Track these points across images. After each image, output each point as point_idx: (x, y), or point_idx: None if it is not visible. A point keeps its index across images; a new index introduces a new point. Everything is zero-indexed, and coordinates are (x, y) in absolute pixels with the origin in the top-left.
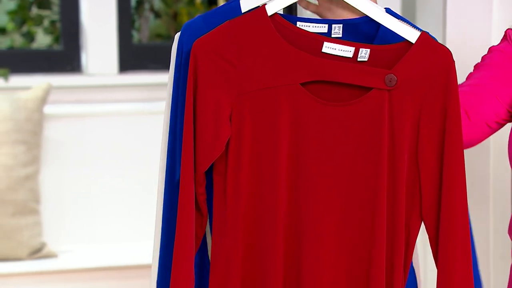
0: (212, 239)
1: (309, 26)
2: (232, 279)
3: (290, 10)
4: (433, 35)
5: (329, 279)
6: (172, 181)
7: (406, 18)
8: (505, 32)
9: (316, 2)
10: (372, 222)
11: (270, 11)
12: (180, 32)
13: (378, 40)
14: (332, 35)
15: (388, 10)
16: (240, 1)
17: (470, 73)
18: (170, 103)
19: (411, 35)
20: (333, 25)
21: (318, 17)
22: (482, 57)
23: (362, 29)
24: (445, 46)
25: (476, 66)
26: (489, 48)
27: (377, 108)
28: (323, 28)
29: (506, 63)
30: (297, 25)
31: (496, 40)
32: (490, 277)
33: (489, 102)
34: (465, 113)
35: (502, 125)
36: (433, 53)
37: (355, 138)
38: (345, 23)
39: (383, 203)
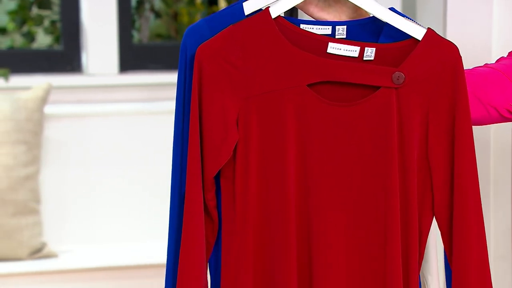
0: (222, 243)
1: (312, 28)
2: (243, 283)
3: (291, 12)
4: None
5: (343, 279)
6: (180, 192)
7: (408, 16)
8: None
9: None
10: (385, 221)
11: (274, 13)
12: (184, 36)
13: (382, 40)
14: (336, 37)
15: (392, 9)
16: (243, 4)
17: (501, 57)
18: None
19: (418, 32)
20: (337, 27)
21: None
22: None
23: (365, 31)
24: (452, 42)
25: (510, 53)
26: None
27: (385, 107)
28: (326, 30)
29: None
30: (301, 28)
31: (496, 40)
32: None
33: (504, 87)
34: (472, 91)
35: None
36: (440, 49)
37: (364, 137)
38: (349, 25)
39: (396, 202)
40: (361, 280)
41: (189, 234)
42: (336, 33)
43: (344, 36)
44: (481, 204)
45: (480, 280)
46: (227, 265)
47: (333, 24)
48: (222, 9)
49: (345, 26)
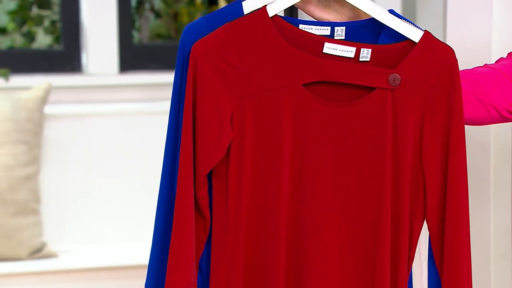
0: (212, 241)
1: (311, 29)
2: (234, 282)
3: (291, 12)
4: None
5: (332, 280)
6: (171, 191)
7: (406, 18)
8: None
9: None
10: (376, 222)
11: (271, 12)
12: (182, 34)
13: (381, 42)
14: (335, 37)
15: (392, 12)
16: (243, 3)
17: (500, 58)
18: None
19: (414, 34)
20: (336, 28)
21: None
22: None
23: (365, 32)
24: (448, 45)
25: (510, 54)
26: None
27: (380, 108)
28: (325, 31)
29: None
30: (300, 28)
31: (496, 40)
32: (490, 277)
33: (504, 87)
34: (473, 91)
35: None
36: (436, 52)
37: (358, 138)
38: (348, 26)
39: (388, 203)
40: (351, 279)
41: (179, 232)
42: (335, 34)
43: (343, 37)
44: (468, 208)
45: (467, 282)
46: (218, 264)
47: (332, 25)
48: (221, 7)
49: (344, 27)
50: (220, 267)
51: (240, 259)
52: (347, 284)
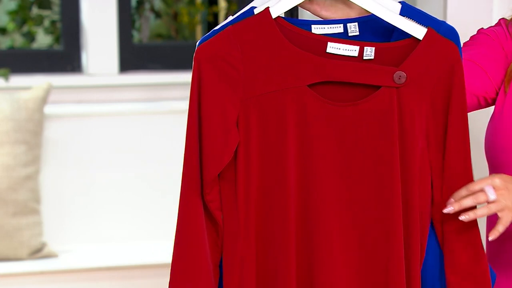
0: (224, 245)
1: (324, 28)
2: (247, 284)
3: (292, 12)
4: None
5: (344, 280)
6: None
7: (420, 10)
8: (499, 20)
9: None
10: (388, 221)
11: (274, 13)
12: (196, 49)
13: (397, 33)
14: (349, 34)
15: (404, 4)
16: (254, 10)
17: (470, 37)
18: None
19: (418, 31)
20: (348, 24)
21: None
22: (471, 37)
23: (378, 25)
24: (451, 41)
25: (465, 44)
26: (478, 30)
27: (386, 106)
28: (338, 28)
29: (494, 44)
30: (312, 28)
31: None
32: None
33: (479, 77)
34: None
35: (488, 105)
36: (440, 48)
37: (365, 137)
38: (360, 21)
39: (398, 202)
40: (364, 279)
41: (183, 238)
42: (349, 31)
43: (357, 33)
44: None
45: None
46: (230, 267)
47: (344, 22)
48: (234, 17)
49: (356, 23)
50: (232, 271)
51: (252, 262)
52: (361, 284)
